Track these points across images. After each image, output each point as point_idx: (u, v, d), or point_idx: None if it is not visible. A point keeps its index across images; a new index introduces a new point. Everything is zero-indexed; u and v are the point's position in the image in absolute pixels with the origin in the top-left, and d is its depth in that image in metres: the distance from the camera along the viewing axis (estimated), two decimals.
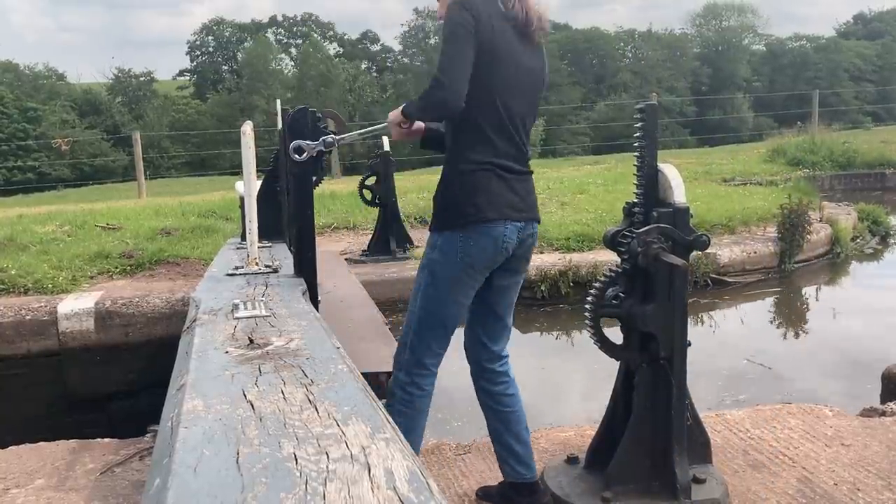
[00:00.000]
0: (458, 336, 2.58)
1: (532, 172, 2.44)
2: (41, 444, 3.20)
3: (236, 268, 3.08)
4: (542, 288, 6.17)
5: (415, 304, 2.41)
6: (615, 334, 2.63)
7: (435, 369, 2.45)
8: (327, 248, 6.65)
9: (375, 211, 7.09)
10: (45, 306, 4.78)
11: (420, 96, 2.28)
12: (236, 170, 13.80)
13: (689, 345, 2.55)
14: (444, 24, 2.27)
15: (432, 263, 2.36)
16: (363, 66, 48.69)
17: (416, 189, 9.67)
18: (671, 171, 2.52)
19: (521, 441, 2.59)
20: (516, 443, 2.58)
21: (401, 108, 2.35)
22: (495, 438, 2.61)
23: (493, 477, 2.85)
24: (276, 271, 2.99)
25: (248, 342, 1.82)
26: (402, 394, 2.42)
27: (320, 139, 2.66)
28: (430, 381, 2.44)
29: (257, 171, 3.36)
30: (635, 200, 2.60)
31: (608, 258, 5.66)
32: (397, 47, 52.07)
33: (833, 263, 7.69)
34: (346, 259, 6.54)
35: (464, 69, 2.19)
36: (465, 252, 2.30)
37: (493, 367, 2.58)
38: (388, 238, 6.86)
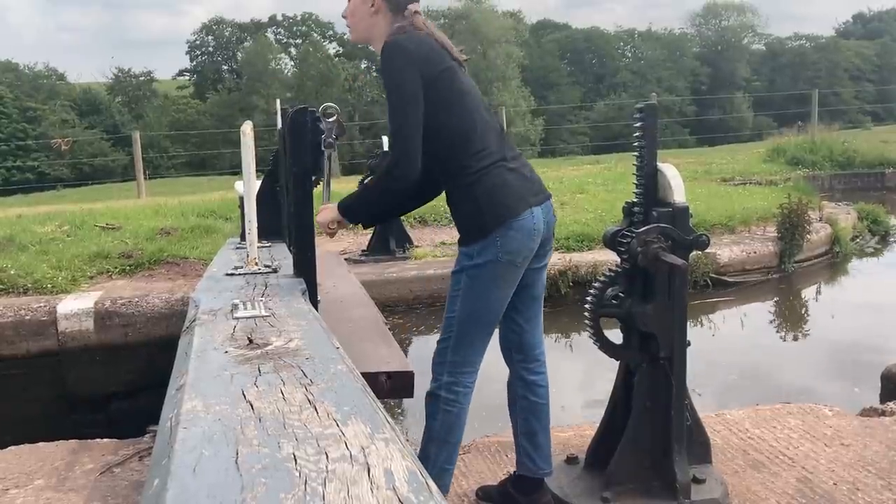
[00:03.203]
0: None
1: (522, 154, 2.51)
2: (40, 444, 3.20)
3: (236, 268, 3.07)
4: None
5: (454, 307, 2.41)
6: (615, 334, 2.63)
7: (477, 366, 2.47)
8: (327, 248, 6.65)
9: None
10: (45, 306, 4.77)
11: (375, 188, 2.40)
12: (236, 170, 13.79)
13: (689, 344, 2.56)
14: (386, 72, 2.32)
15: (474, 269, 2.36)
16: (363, 66, 48.68)
17: None
18: (671, 170, 2.52)
19: (547, 435, 2.61)
20: (543, 436, 2.60)
21: (334, 207, 2.47)
22: (524, 431, 2.60)
23: (493, 477, 2.85)
24: (275, 271, 2.98)
25: (248, 342, 1.82)
26: (446, 394, 2.43)
27: (329, 137, 2.70)
28: (473, 378, 2.47)
29: (257, 171, 3.35)
30: (635, 200, 2.60)
31: (608, 258, 5.66)
32: None
33: (833, 263, 7.69)
34: (345, 259, 6.54)
35: (415, 136, 2.27)
36: (506, 250, 2.32)
37: (536, 354, 2.58)
38: (388, 238, 6.86)
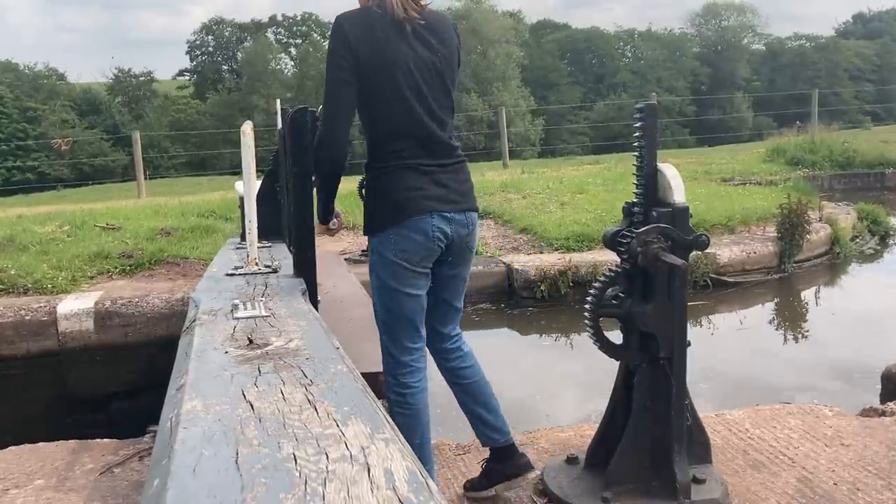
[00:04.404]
0: None
1: (461, 161, 2.45)
2: (40, 444, 3.20)
3: (236, 268, 3.07)
4: (542, 288, 6.17)
5: (375, 307, 2.50)
6: (615, 334, 2.63)
7: (417, 364, 2.50)
8: (327, 248, 6.65)
9: None
10: (45, 307, 4.77)
11: (316, 176, 2.48)
12: (236, 170, 13.80)
13: (689, 345, 2.55)
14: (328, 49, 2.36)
15: (374, 265, 2.44)
16: None
17: None
18: (671, 170, 2.52)
19: (490, 409, 2.66)
20: (485, 411, 2.65)
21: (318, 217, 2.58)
22: (466, 412, 2.70)
23: None
24: (275, 271, 2.98)
25: (248, 342, 1.82)
26: (394, 396, 2.49)
27: None
28: (416, 377, 2.49)
29: (257, 171, 3.35)
30: (635, 200, 2.60)
31: (608, 258, 5.66)
32: None
33: (833, 263, 7.68)
34: (345, 259, 6.54)
35: (340, 117, 2.33)
36: (399, 248, 2.36)
37: (445, 346, 2.64)
38: None
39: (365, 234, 2.47)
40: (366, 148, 2.44)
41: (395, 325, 2.45)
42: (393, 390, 2.48)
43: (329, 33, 2.33)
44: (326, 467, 1.05)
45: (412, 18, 2.31)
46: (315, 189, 2.61)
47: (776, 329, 6.06)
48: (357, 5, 2.41)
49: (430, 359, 2.62)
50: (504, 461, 2.67)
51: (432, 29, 2.37)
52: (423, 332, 2.52)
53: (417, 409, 2.48)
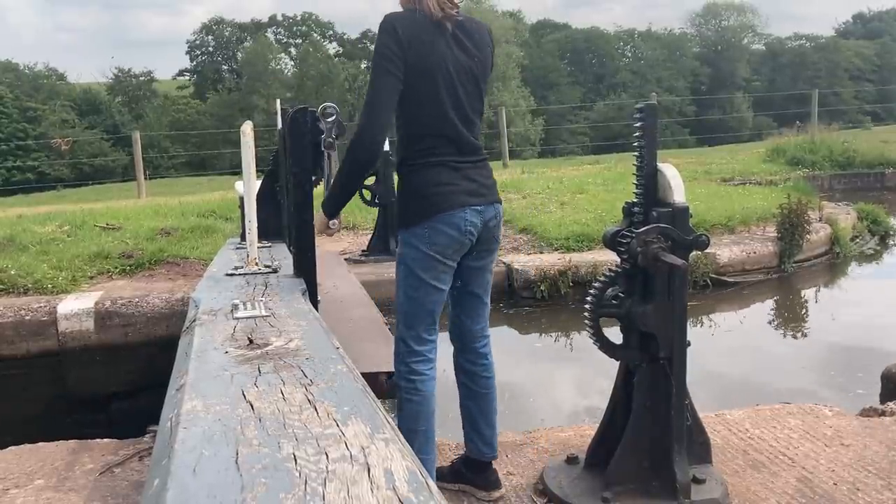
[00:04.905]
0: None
1: (486, 159, 2.55)
2: (40, 444, 3.19)
3: (236, 268, 3.07)
4: (542, 288, 6.17)
5: (398, 297, 2.54)
6: (615, 334, 2.63)
7: (430, 355, 2.55)
8: (327, 248, 6.65)
9: (375, 211, 7.09)
10: (45, 307, 4.77)
11: (344, 163, 2.46)
12: (236, 170, 13.80)
13: (689, 345, 2.55)
14: (375, 44, 2.41)
15: (405, 257, 2.48)
16: (363, 66, 48.65)
17: None
18: (671, 170, 2.52)
19: (489, 424, 2.70)
20: (486, 426, 2.70)
21: (319, 209, 2.57)
22: (465, 416, 2.73)
23: None
24: (275, 271, 2.99)
25: (248, 342, 1.82)
26: (405, 383, 2.53)
27: (329, 137, 2.73)
28: (427, 366, 2.54)
29: (257, 171, 3.35)
30: (635, 200, 2.60)
31: (608, 258, 5.66)
32: None
33: (832, 263, 7.68)
34: (345, 259, 6.54)
35: (382, 107, 2.36)
36: (432, 241, 2.41)
37: (475, 347, 2.68)
38: (388, 238, 6.85)
39: (398, 228, 2.52)
40: (398, 145, 2.50)
41: (415, 316, 2.50)
42: (404, 377, 2.53)
43: (378, 31, 2.37)
44: (326, 467, 1.05)
45: (450, 17, 2.38)
46: (333, 181, 2.59)
47: (776, 329, 6.06)
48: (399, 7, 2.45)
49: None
50: (477, 473, 2.72)
51: (469, 33, 2.45)
52: (438, 325, 2.57)
53: (425, 396, 2.52)
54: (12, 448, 3.15)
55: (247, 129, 2.78)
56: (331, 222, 2.60)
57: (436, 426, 2.60)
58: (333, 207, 2.59)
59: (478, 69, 2.46)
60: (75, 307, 4.74)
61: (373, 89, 2.37)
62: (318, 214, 2.61)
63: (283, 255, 3.56)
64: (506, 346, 5.66)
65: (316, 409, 1.30)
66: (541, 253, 6.80)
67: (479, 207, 2.45)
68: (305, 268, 2.81)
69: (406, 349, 2.54)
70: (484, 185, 2.49)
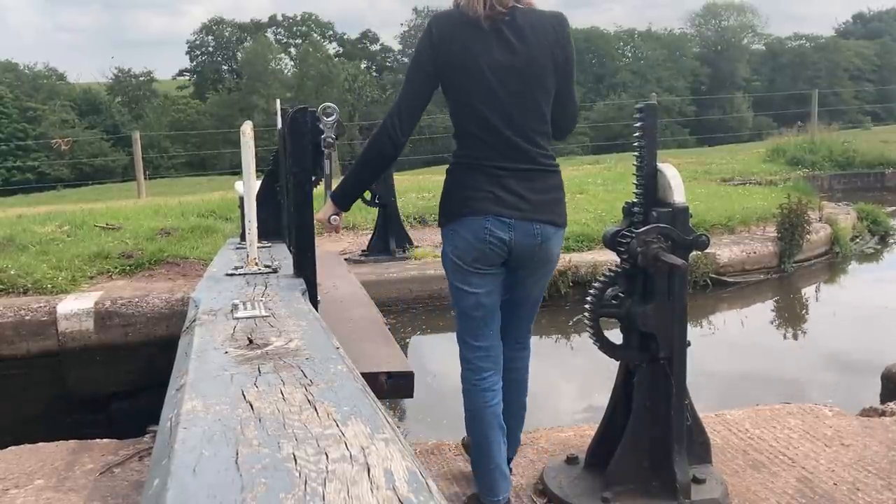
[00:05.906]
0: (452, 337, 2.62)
1: (542, 170, 2.37)
2: (40, 444, 3.19)
3: (236, 268, 3.07)
4: None
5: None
6: (615, 334, 2.63)
7: (480, 363, 2.47)
8: (327, 248, 6.65)
9: (375, 211, 7.09)
10: (45, 307, 4.77)
11: (364, 152, 2.45)
12: (236, 170, 13.79)
13: (689, 345, 2.55)
14: None
15: (442, 258, 2.50)
16: (363, 66, 48.68)
17: (416, 189, 9.66)
18: (671, 170, 2.52)
19: (514, 438, 2.68)
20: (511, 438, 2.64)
21: (329, 200, 2.53)
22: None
23: None
24: (275, 271, 2.98)
25: (248, 342, 1.82)
26: (465, 385, 2.52)
27: (329, 137, 2.73)
28: (479, 376, 2.47)
29: (257, 171, 3.35)
30: (635, 200, 2.60)
31: (608, 258, 5.66)
32: (397, 47, 52.20)
33: (832, 263, 7.69)
34: (345, 259, 6.54)
35: (407, 107, 2.35)
36: (453, 244, 2.40)
37: (510, 344, 2.61)
38: (388, 238, 6.85)
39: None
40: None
41: (460, 320, 2.51)
42: (463, 380, 2.52)
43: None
44: (326, 467, 1.05)
45: (496, 15, 2.25)
46: (349, 172, 2.55)
47: (776, 329, 6.06)
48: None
49: None
50: None
51: (520, 29, 2.27)
52: (489, 333, 2.48)
53: (477, 408, 2.46)
54: (12, 448, 3.15)
55: (247, 129, 2.78)
56: (332, 217, 2.53)
57: (498, 446, 2.50)
58: (344, 198, 2.53)
59: (528, 68, 2.27)
60: (75, 307, 4.74)
61: (402, 86, 2.39)
62: (325, 207, 2.56)
63: (283, 255, 3.56)
64: None
65: (316, 410, 1.30)
66: None
67: (507, 220, 2.30)
68: (305, 268, 2.81)
69: (460, 354, 2.51)
70: (525, 199, 2.31)
